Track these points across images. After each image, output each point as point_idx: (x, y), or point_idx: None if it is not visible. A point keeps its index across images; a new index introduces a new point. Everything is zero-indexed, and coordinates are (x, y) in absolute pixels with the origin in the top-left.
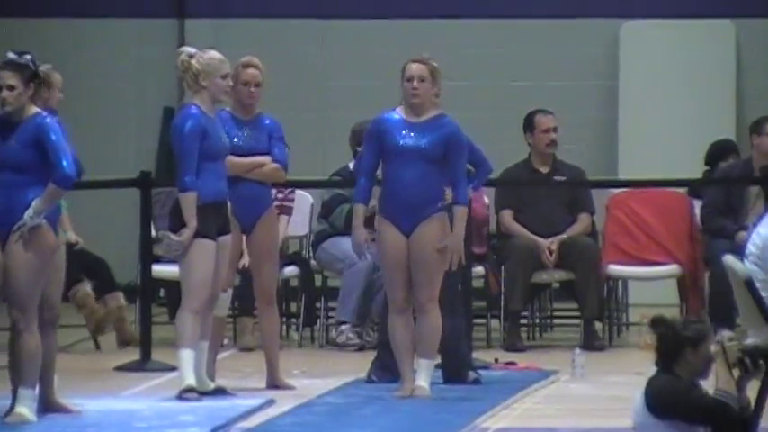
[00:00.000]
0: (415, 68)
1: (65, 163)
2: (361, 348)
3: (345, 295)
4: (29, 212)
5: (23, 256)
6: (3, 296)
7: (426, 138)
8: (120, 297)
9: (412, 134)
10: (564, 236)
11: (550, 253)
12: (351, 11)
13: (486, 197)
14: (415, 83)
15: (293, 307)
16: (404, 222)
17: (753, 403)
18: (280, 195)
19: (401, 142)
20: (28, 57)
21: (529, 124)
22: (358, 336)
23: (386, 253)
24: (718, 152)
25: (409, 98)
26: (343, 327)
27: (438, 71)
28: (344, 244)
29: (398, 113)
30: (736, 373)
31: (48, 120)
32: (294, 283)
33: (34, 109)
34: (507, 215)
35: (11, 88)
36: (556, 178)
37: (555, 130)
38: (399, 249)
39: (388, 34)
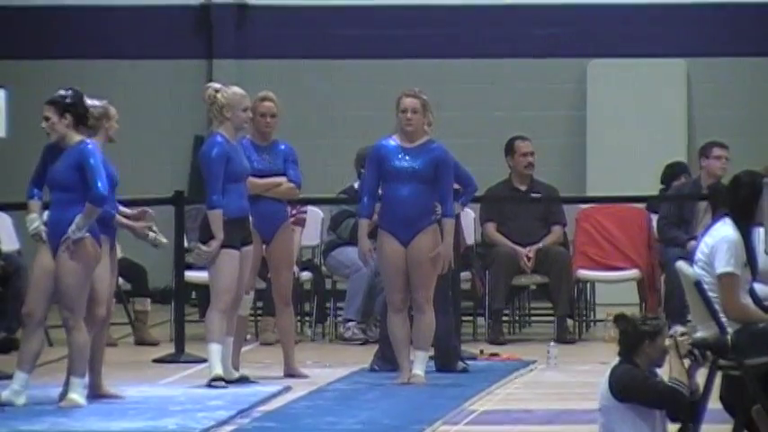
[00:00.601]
0: (408, 102)
1: (99, 184)
2: (364, 342)
3: (351, 297)
4: (72, 227)
5: (69, 265)
6: (55, 298)
7: (419, 161)
8: (147, 303)
9: (407, 158)
10: (540, 245)
11: (528, 259)
12: (354, 52)
13: (472, 212)
14: (409, 114)
15: (307, 307)
16: (402, 234)
17: (701, 388)
18: (294, 211)
19: (397, 165)
20: (69, 92)
21: (509, 149)
22: (362, 331)
23: (386, 261)
24: (671, 172)
25: (404, 127)
26: (350, 324)
27: (428, 103)
28: (350, 253)
29: (394, 140)
30: (686, 362)
31: (89, 146)
32: (307, 286)
33: (78, 137)
34: (491, 227)
35: (46, 119)
36: (532, 195)
37: (532, 154)
38: (398, 257)
39: (386, 72)
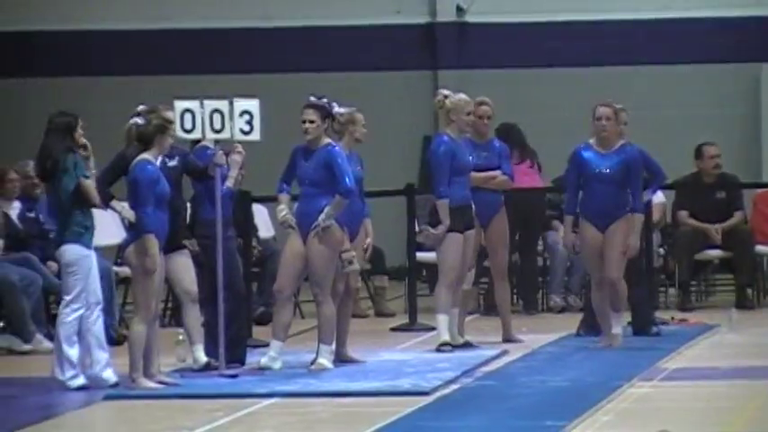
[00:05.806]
0: (602, 111)
1: (347, 180)
2: (561, 310)
3: (554, 273)
4: (322, 216)
5: (318, 248)
6: (305, 276)
7: (612, 164)
8: (385, 280)
9: (602, 162)
10: (725, 224)
11: (717, 232)
12: (558, 61)
13: (663, 196)
14: (603, 121)
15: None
16: (599, 222)
17: None
18: None
19: (595, 168)
20: (324, 100)
21: (698, 153)
22: (564, 300)
23: (587, 247)
24: None
25: (599, 133)
26: (553, 296)
27: (619, 110)
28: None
29: (592, 145)
30: None
31: (336, 148)
32: None
33: (327, 140)
34: (683, 214)
35: (312, 122)
36: (717, 196)
37: (718, 156)
38: (596, 242)
39: (587, 79)
